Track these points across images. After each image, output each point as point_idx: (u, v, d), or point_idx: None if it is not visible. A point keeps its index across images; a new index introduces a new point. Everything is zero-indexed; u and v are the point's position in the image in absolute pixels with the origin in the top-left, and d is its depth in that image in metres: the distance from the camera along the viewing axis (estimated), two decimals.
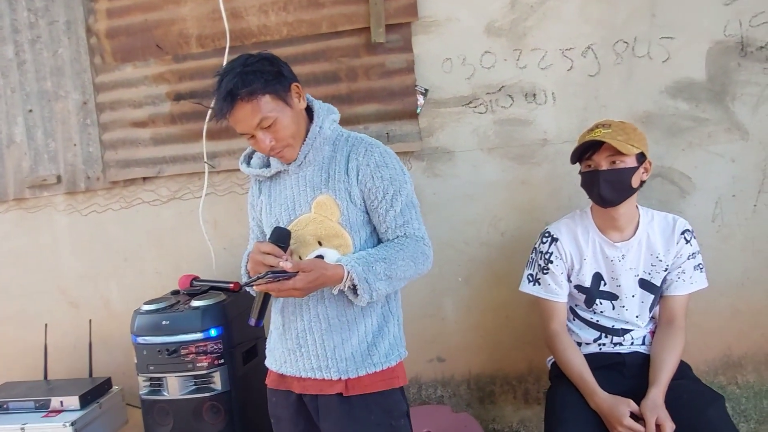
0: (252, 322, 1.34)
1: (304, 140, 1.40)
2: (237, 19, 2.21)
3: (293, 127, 1.37)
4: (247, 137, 1.37)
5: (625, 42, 2.00)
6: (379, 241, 1.45)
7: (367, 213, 1.42)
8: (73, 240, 2.47)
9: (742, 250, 2.01)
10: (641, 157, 1.61)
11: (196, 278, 2.12)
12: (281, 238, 1.34)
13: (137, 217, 2.42)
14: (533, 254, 1.80)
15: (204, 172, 2.30)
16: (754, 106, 1.95)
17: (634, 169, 1.60)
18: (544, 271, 1.75)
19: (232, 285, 2.01)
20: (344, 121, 2.16)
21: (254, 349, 2.05)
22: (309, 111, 1.46)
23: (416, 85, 2.12)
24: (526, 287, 1.80)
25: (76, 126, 2.42)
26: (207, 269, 2.31)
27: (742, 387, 2.06)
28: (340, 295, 1.37)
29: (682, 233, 1.67)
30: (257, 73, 1.31)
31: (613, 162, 1.59)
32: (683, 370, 1.67)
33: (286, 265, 1.24)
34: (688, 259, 1.67)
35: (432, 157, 2.16)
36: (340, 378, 1.39)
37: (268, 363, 1.54)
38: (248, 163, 1.54)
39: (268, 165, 1.50)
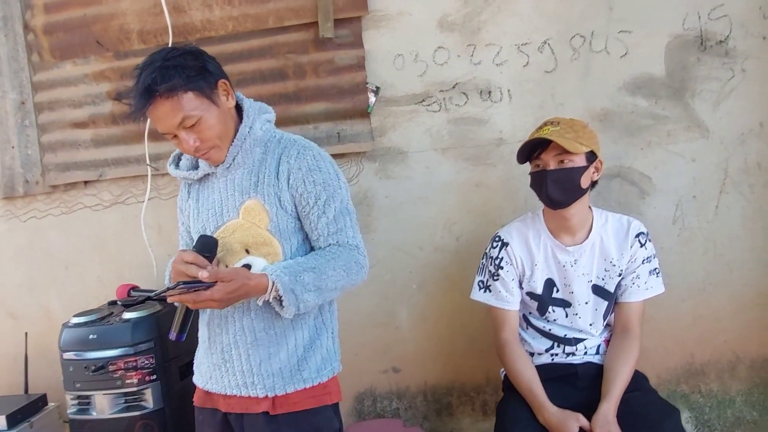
0: (172, 336, 1.25)
1: (233, 141, 1.30)
2: (179, 13, 2.10)
3: (219, 126, 1.27)
4: (170, 137, 1.27)
5: (582, 36, 1.92)
6: (312, 250, 1.35)
7: (299, 220, 1.33)
8: (11, 247, 2.33)
9: (703, 254, 1.93)
10: (591, 156, 1.53)
11: (134, 287, 1.99)
12: (206, 247, 1.24)
13: (78, 222, 2.29)
14: (484, 260, 1.71)
15: (147, 175, 2.18)
16: (715, 102, 1.88)
17: (583, 169, 1.51)
18: (495, 278, 1.66)
19: None
20: (292, 121, 2.10)
21: (193, 363, 1.93)
22: (240, 110, 1.36)
23: (367, 83, 2.02)
24: (477, 295, 1.71)
25: (14, 127, 2.28)
26: (150, 277, 2.19)
27: (706, 396, 1.98)
28: (267, 307, 1.29)
29: (637, 236, 1.59)
30: (179, 68, 1.21)
31: (561, 161, 1.51)
32: (638, 380, 1.58)
33: (202, 274, 1.14)
34: (643, 263, 1.58)
35: (384, 158, 2.06)
36: (267, 395, 1.30)
37: (195, 379, 1.44)
38: (177, 165, 1.44)
39: (196, 167, 1.40)
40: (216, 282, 1.15)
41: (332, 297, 1.33)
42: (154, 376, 1.74)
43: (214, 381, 1.37)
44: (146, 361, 1.73)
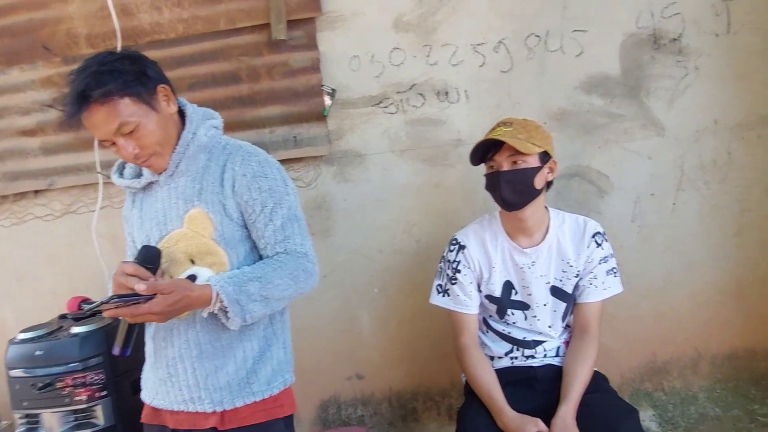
0: (116, 351, 1.19)
1: (176, 148, 1.26)
2: (128, 16, 2.04)
3: (160, 133, 1.22)
4: (108, 144, 1.22)
5: (537, 36, 1.90)
6: (260, 259, 1.31)
7: (246, 228, 1.29)
8: None
9: (663, 251, 1.94)
10: (545, 157, 1.51)
11: (85, 300, 1.94)
12: (149, 258, 1.19)
13: (29, 233, 2.21)
14: (442, 263, 1.68)
15: (98, 183, 2.11)
16: (669, 100, 1.88)
17: (536, 169, 1.49)
18: (453, 282, 1.63)
19: None
20: (247, 125, 2.05)
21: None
22: (182, 116, 1.31)
23: (323, 85, 1.98)
24: (436, 299, 1.68)
25: None
26: (103, 289, 2.12)
27: (669, 393, 1.99)
28: (214, 319, 1.24)
29: (593, 236, 1.57)
30: (115, 73, 1.17)
31: (515, 162, 1.48)
32: (598, 381, 1.57)
33: (139, 287, 1.10)
34: (600, 263, 1.57)
35: (342, 161, 2.02)
36: (215, 410, 1.26)
37: (142, 395, 1.39)
38: (121, 174, 1.39)
39: (140, 175, 1.35)
40: (155, 294, 1.10)
41: (280, 306, 1.29)
42: (105, 392, 1.68)
43: (161, 396, 1.32)
44: (96, 377, 1.66)
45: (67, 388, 1.65)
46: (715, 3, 1.84)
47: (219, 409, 1.26)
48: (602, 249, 1.57)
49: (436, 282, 1.69)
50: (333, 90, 1.99)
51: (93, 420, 1.68)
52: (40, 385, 1.63)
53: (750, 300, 1.92)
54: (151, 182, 1.32)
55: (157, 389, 1.33)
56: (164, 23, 2.03)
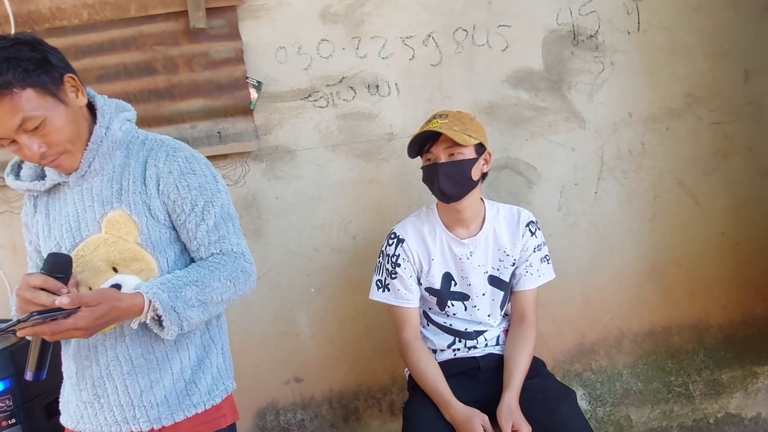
0: (28, 376, 1.05)
1: (87, 145, 1.13)
2: (23, 1, 1.83)
3: (70, 128, 1.09)
4: (6, 143, 1.06)
5: (465, 30, 1.92)
6: (192, 261, 1.21)
7: (174, 229, 1.18)
8: None
9: (587, 238, 2.03)
10: (480, 148, 1.52)
11: None
12: (57, 266, 1.04)
13: None
14: (380, 258, 1.65)
15: None
16: (589, 94, 1.97)
17: (473, 161, 1.50)
18: (393, 276, 1.61)
19: None
20: (166, 120, 1.90)
21: None
22: (92, 109, 1.18)
23: (248, 77, 1.88)
24: (376, 294, 1.65)
25: None
26: (4, 304, 1.89)
27: (597, 372, 2.09)
28: (144, 330, 1.13)
29: (527, 225, 1.61)
30: (12, 61, 1.01)
31: (452, 154, 1.49)
32: (537, 367, 1.61)
33: (62, 300, 0.96)
34: (534, 251, 1.61)
35: (272, 158, 1.94)
36: (152, 428, 1.15)
37: (63, 420, 1.25)
38: (17, 175, 1.22)
39: (42, 176, 1.19)
40: (79, 308, 0.97)
41: (218, 311, 1.20)
42: (14, 420, 1.49)
43: (87, 420, 1.19)
44: (2, 404, 1.47)
45: None
46: (627, 2, 1.95)
47: (157, 427, 1.16)
48: (536, 237, 1.62)
49: (376, 277, 1.66)
50: (259, 83, 1.89)
51: None
52: None
53: (665, 280, 2.06)
54: (57, 184, 1.17)
55: (81, 413, 1.19)
56: (66, 8, 1.84)
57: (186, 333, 1.17)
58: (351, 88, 1.92)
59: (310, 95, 1.92)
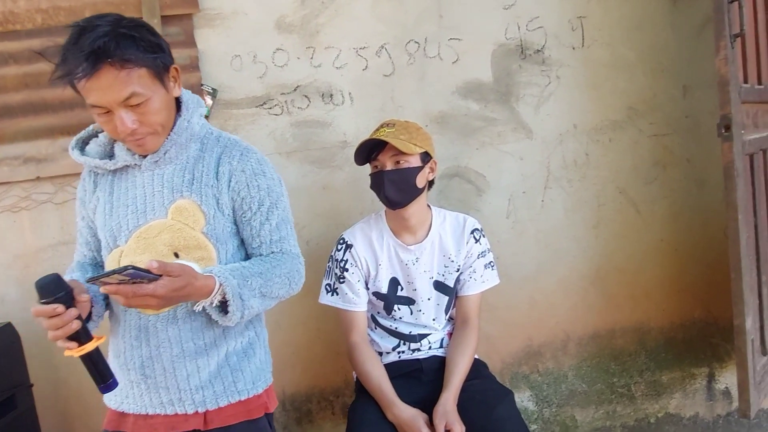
0: (103, 391, 1.05)
1: (169, 134, 1.17)
2: None
3: (164, 113, 1.14)
4: (100, 112, 1.09)
5: (417, 42, 1.98)
6: (247, 256, 1.26)
7: (236, 224, 1.22)
8: None
9: (534, 244, 2.10)
10: (426, 157, 1.58)
11: None
12: (47, 290, 1.00)
13: None
14: (330, 263, 1.69)
15: None
16: (536, 106, 2.05)
17: (418, 169, 1.55)
18: (341, 280, 1.65)
19: None
20: None
21: (11, 401, 1.68)
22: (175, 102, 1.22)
23: (202, 84, 1.91)
24: (325, 298, 1.69)
25: None
26: None
27: (543, 374, 2.16)
28: (196, 315, 1.16)
29: (472, 232, 1.67)
30: (137, 40, 1.06)
31: (398, 162, 1.54)
32: (478, 369, 1.67)
33: (152, 264, 0.98)
34: (479, 257, 1.67)
35: None
36: (197, 411, 1.18)
37: (106, 399, 1.26)
38: (82, 150, 1.25)
39: (111, 156, 1.22)
40: (161, 276, 1.00)
41: (271, 305, 1.24)
42: None
43: (132, 400, 1.21)
44: None
45: None
46: (572, 19, 2.04)
47: (201, 410, 1.18)
48: (480, 244, 1.68)
49: (325, 281, 1.70)
50: (214, 90, 1.92)
51: None
52: None
53: (608, 285, 2.14)
54: (126, 165, 1.20)
55: (127, 392, 1.22)
56: (20, 12, 1.84)
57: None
58: (305, 96, 1.96)
59: (264, 103, 1.95)
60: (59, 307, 0.99)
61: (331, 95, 1.97)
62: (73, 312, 1.00)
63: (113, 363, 1.25)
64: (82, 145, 1.27)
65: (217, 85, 1.92)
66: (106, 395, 1.23)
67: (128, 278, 0.98)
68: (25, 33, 1.86)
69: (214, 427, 1.20)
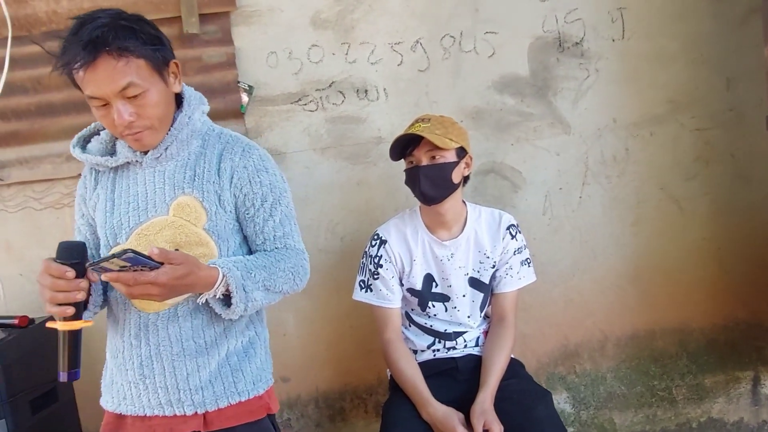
0: (63, 377, 1.02)
1: (170, 129, 1.17)
2: (19, 3, 1.87)
3: (162, 107, 1.13)
4: (98, 104, 1.09)
5: (452, 36, 1.96)
6: (250, 254, 1.25)
7: (238, 221, 1.22)
8: None
9: (570, 242, 2.06)
10: (461, 152, 1.56)
11: None
12: (71, 253, 1.02)
13: None
14: (364, 259, 1.69)
15: None
16: (574, 100, 2.00)
17: (454, 164, 1.53)
18: (375, 277, 1.64)
19: (17, 320, 1.67)
20: None
21: (52, 394, 1.72)
22: (176, 99, 1.23)
23: (239, 82, 1.93)
24: (359, 295, 1.68)
25: None
26: None
27: (580, 375, 2.11)
28: (197, 313, 1.16)
29: (508, 228, 1.64)
30: (136, 31, 1.08)
31: (433, 157, 1.53)
32: (515, 368, 1.64)
33: (153, 250, 0.98)
34: (515, 254, 1.64)
35: None
36: (196, 412, 1.17)
37: (103, 402, 1.27)
38: (83, 148, 1.25)
39: (112, 153, 1.23)
40: (162, 264, 1.00)
41: (274, 300, 1.22)
42: None
43: (130, 401, 1.20)
44: None
45: None
46: (611, 10, 1.98)
47: (201, 411, 1.17)
48: (516, 240, 1.65)
49: (359, 278, 1.69)
50: (250, 87, 1.94)
51: None
52: None
53: (647, 284, 2.08)
54: (127, 162, 1.21)
55: (125, 393, 1.21)
56: (62, 12, 1.88)
57: (234, 323, 1.21)
58: (340, 92, 1.96)
59: (300, 99, 1.96)
60: (71, 272, 0.98)
61: (366, 91, 1.96)
62: (83, 283, 1.00)
63: (110, 363, 1.25)
64: (84, 143, 1.27)
65: (254, 81, 1.93)
66: (103, 399, 1.25)
67: (129, 265, 0.97)
68: (67, 32, 1.90)
69: (214, 429, 1.19)
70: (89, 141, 1.27)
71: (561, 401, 2.10)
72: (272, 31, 1.93)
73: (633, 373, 2.12)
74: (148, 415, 1.19)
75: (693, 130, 2.03)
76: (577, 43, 1.99)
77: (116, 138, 1.22)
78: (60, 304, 0.99)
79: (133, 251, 0.94)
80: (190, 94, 1.24)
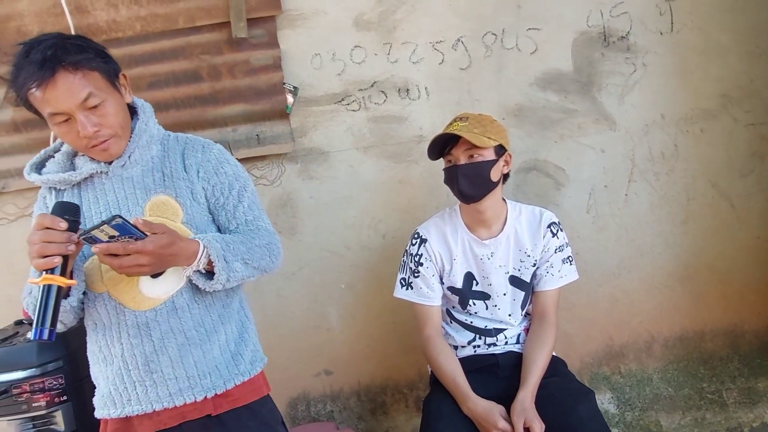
0: (43, 334, 0.98)
1: (130, 137, 1.23)
2: (82, 13, 2.00)
3: (122, 116, 1.19)
4: (60, 120, 1.12)
5: (494, 34, 1.96)
6: None
7: (210, 213, 1.29)
8: None
9: (616, 240, 2.02)
10: (500, 150, 1.56)
11: None
12: (62, 210, 1.03)
13: None
14: (404, 257, 1.71)
15: None
16: (620, 96, 1.97)
17: (492, 162, 1.54)
18: (416, 275, 1.67)
19: None
20: (209, 124, 2.04)
21: None
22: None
23: (285, 83, 1.99)
24: (400, 292, 1.71)
25: None
26: None
27: (625, 376, 2.07)
28: (193, 303, 1.22)
29: (549, 226, 1.63)
30: (83, 47, 1.14)
31: (471, 156, 1.53)
32: (556, 366, 1.63)
33: (137, 219, 1.03)
34: (556, 252, 1.63)
35: (306, 159, 2.03)
36: (206, 396, 1.22)
37: (100, 414, 1.27)
38: (38, 172, 1.26)
39: (73, 170, 1.25)
40: (146, 235, 1.04)
41: (252, 276, 1.26)
42: (65, 398, 1.63)
43: (136, 401, 1.21)
44: (55, 382, 1.62)
45: (25, 395, 1.60)
46: (659, 3, 1.94)
47: (210, 395, 1.22)
48: (557, 238, 1.64)
49: (400, 275, 1.72)
50: (295, 88, 2.00)
51: (53, 426, 1.63)
52: None
53: (697, 284, 2.03)
54: (92, 174, 1.23)
55: (129, 395, 1.22)
56: (121, 21, 1.99)
57: (227, 308, 1.27)
58: (382, 92, 2.00)
59: (343, 99, 2.00)
60: (64, 223, 1.01)
61: (408, 90, 1.99)
62: (74, 237, 1.01)
63: (104, 373, 1.25)
64: (40, 168, 1.27)
65: (298, 83, 1.99)
66: (102, 411, 1.25)
67: (117, 234, 0.99)
68: (126, 40, 2.01)
69: (223, 411, 1.24)
70: (43, 166, 1.28)
71: (605, 401, 2.07)
72: (316, 34, 1.98)
73: (681, 375, 2.06)
74: (156, 410, 1.21)
75: (747, 125, 1.96)
76: (623, 37, 1.95)
77: (74, 156, 1.26)
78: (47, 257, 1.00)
79: (122, 217, 0.97)
80: (142, 104, 1.30)
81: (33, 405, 1.60)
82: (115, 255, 1.04)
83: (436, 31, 1.96)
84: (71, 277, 1.08)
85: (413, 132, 2.01)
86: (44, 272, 1.01)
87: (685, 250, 2.02)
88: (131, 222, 1.01)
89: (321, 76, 2.00)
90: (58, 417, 1.63)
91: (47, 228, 1.01)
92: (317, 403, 2.14)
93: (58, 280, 1.00)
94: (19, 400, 1.60)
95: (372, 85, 1.99)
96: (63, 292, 1.05)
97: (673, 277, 2.03)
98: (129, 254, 1.04)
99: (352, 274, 2.08)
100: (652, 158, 1.99)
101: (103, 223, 0.97)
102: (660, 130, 1.98)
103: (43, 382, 1.60)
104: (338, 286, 2.08)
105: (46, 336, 0.99)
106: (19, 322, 1.87)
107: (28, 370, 1.60)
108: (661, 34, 1.94)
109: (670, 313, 2.04)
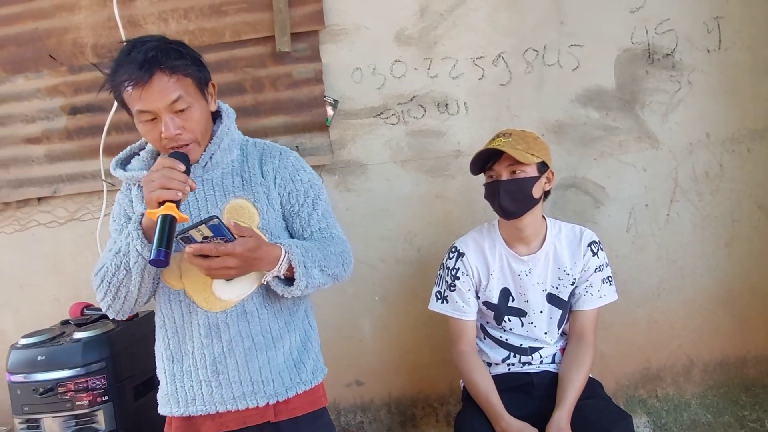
0: (160, 254, 1.02)
1: (211, 140, 1.27)
2: (135, 27, 2.08)
3: (204, 123, 1.24)
4: (146, 118, 1.17)
5: (535, 50, 1.96)
6: None
7: (284, 219, 1.33)
8: None
9: (656, 260, 1.98)
10: (543, 167, 1.55)
11: (88, 306, 1.95)
12: (179, 156, 1.14)
13: (33, 240, 2.23)
14: (441, 270, 1.72)
15: (103, 191, 2.13)
16: (663, 114, 1.94)
17: (534, 179, 1.53)
18: (452, 288, 1.67)
19: None
20: (251, 134, 2.03)
21: (151, 382, 1.88)
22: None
23: (325, 96, 2.03)
24: (435, 305, 1.71)
25: None
26: None
27: (662, 400, 2.02)
28: (262, 309, 1.26)
29: (589, 245, 1.61)
30: (182, 53, 1.20)
31: (513, 172, 1.53)
32: (593, 388, 1.60)
33: (230, 222, 1.09)
34: (596, 271, 1.61)
35: (344, 171, 2.06)
36: (268, 403, 1.25)
37: (164, 411, 1.31)
38: (123, 168, 1.33)
39: None
40: (235, 238, 1.08)
41: (327, 284, 1.29)
42: (107, 397, 1.69)
43: (200, 401, 1.24)
44: (98, 382, 1.68)
45: (69, 393, 1.66)
46: (707, 20, 1.90)
47: (272, 402, 1.25)
48: (598, 258, 1.62)
49: (435, 289, 1.72)
50: (335, 101, 2.03)
51: (94, 425, 1.69)
52: (42, 390, 1.65)
53: (740, 308, 1.96)
54: None
55: (194, 394, 1.25)
56: (170, 34, 2.03)
57: (293, 316, 1.30)
58: (421, 106, 2.01)
59: (382, 113, 2.03)
60: (183, 166, 1.11)
61: (447, 105, 2.00)
62: (190, 181, 1.11)
63: (171, 371, 1.28)
64: (123, 165, 1.33)
65: (339, 96, 2.02)
66: (165, 408, 1.29)
67: (211, 235, 1.05)
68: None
69: (283, 419, 1.25)
70: (128, 162, 1.34)
71: (640, 425, 2.02)
72: (358, 48, 2.01)
73: (721, 401, 2.00)
74: (219, 411, 1.23)
75: None
76: (668, 55, 1.92)
77: (157, 155, 1.29)
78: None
79: (218, 218, 1.03)
80: (227, 109, 1.34)
81: (76, 403, 1.67)
82: (206, 256, 1.08)
83: (477, 46, 1.97)
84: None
85: (451, 147, 2.02)
86: (162, 206, 1.07)
87: (728, 272, 1.96)
88: (225, 224, 1.07)
89: (361, 90, 2.03)
90: (100, 416, 1.69)
91: (169, 168, 1.10)
92: (347, 413, 2.15)
93: (176, 212, 1.07)
94: (64, 398, 1.66)
95: (411, 100, 2.01)
96: (174, 227, 1.08)
97: (714, 300, 1.98)
98: (219, 256, 1.08)
99: (386, 287, 2.09)
100: (695, 178, 1.95)
101: (201, 222, 1.03)
102: (705, 150, 1.94)
103: (86, 381, 1.67)
104: (372, 297, 2.09)
105: (163, 256, 1.03)
106: (65, 322, 1.94)
107: (73, 369, 1.67)
108: (708, 51, 1.90)
109: (711, 336, 1.99)
